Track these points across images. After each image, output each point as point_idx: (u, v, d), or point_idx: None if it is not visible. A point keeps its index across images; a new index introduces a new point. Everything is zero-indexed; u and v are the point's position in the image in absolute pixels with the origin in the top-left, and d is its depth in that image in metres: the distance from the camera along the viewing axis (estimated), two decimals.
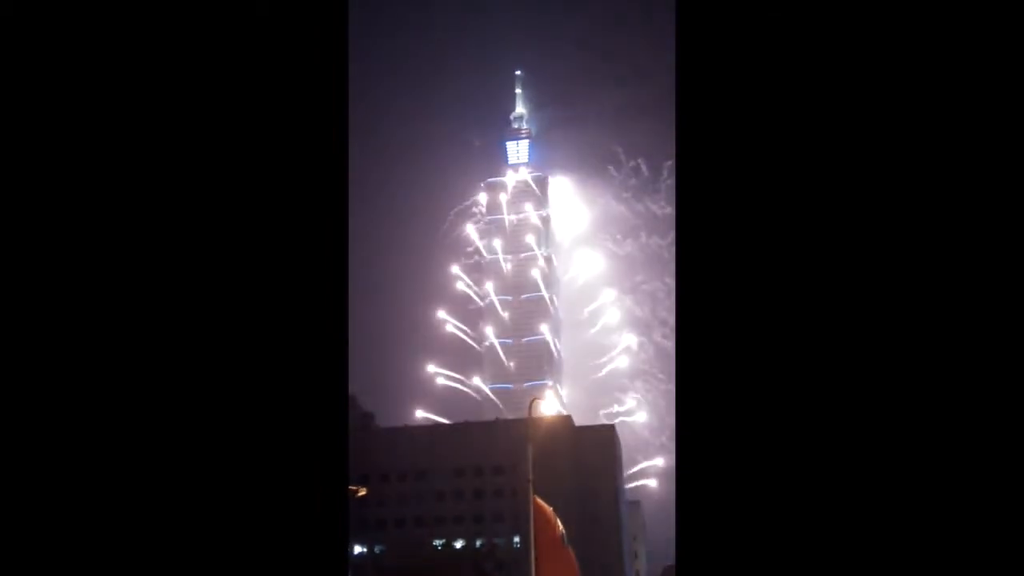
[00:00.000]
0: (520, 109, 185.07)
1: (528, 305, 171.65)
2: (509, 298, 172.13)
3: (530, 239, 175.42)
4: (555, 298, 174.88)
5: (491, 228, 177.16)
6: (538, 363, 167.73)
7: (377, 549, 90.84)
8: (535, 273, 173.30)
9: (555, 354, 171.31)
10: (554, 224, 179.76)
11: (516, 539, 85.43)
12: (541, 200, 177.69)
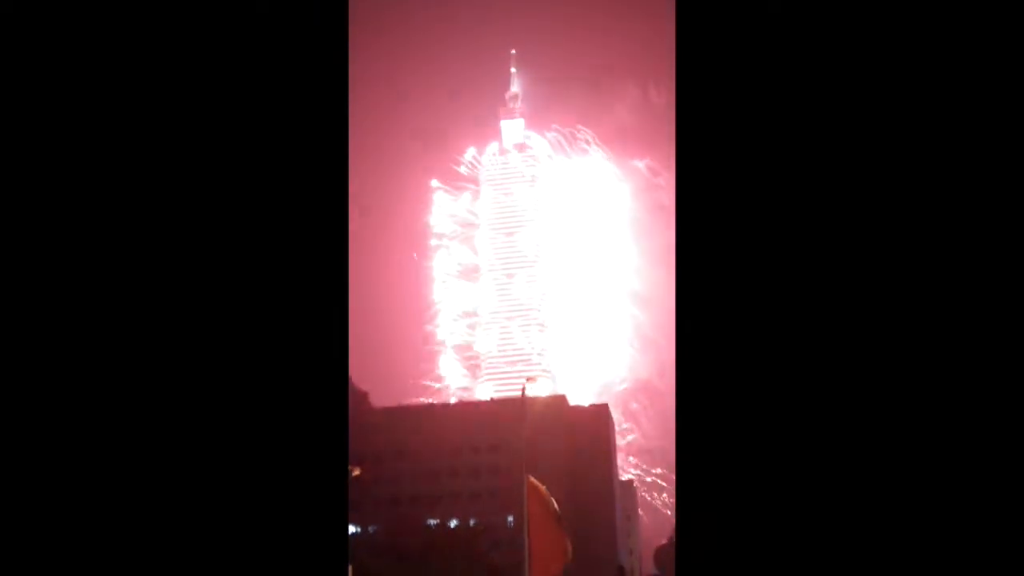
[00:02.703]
0: (515, 88, 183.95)
1: (523, 286, 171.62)
2: (505, 278, 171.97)
3: (522, 219, 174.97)
4: (551, 280, 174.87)
5: (486, 210, 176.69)
6: (531, 344, 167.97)
7: (371, 529, 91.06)
8: (529, 251, 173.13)
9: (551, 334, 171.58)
10: (559, 213, 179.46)
11: (510, 518, 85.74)
12: (536, 182, 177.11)
